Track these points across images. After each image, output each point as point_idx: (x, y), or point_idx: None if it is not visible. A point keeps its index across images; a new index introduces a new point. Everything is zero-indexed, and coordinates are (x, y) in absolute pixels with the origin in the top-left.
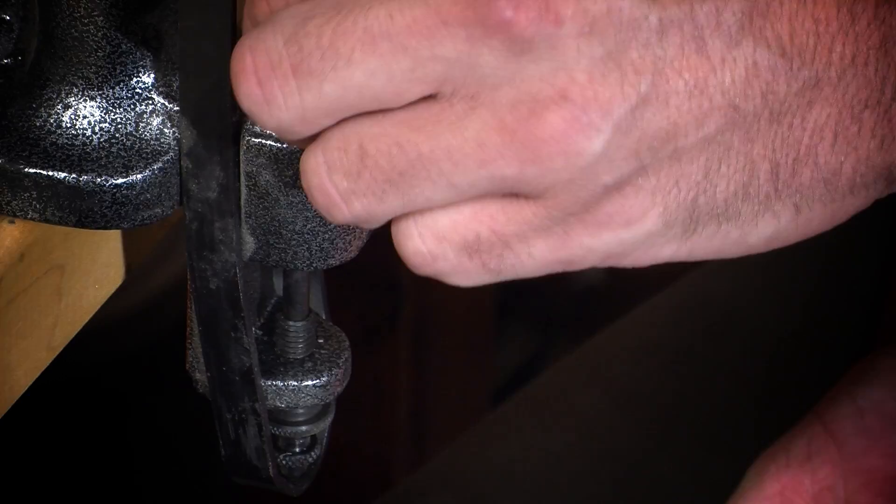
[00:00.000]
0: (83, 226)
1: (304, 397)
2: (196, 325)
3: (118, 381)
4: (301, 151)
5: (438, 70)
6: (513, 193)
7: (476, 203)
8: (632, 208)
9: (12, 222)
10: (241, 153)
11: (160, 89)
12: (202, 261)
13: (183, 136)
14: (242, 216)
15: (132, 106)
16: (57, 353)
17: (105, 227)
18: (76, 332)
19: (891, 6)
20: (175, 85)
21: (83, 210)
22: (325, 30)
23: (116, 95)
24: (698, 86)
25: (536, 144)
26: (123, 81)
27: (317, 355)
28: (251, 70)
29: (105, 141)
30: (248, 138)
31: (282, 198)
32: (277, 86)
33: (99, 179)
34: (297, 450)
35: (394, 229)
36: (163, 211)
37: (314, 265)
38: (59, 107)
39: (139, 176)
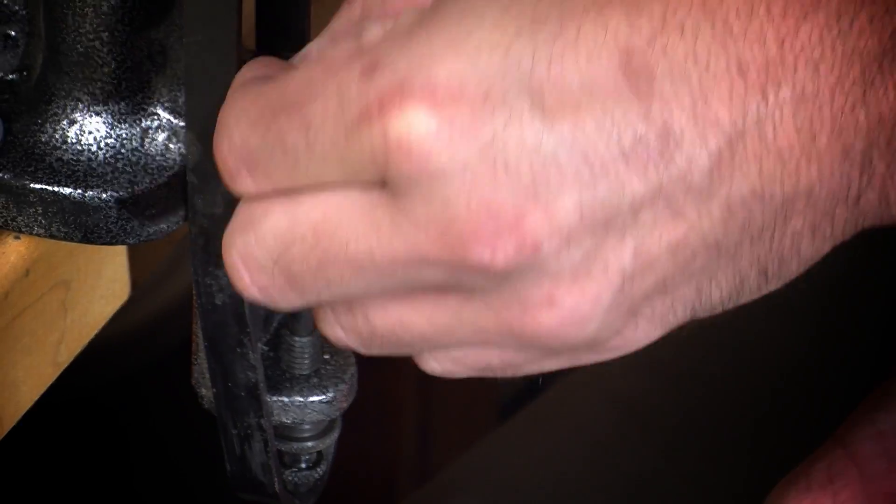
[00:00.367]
0: (89, 241)
1: (309, 413)
2: (202, 340)
3: (123, 396)
4: None
5: (428, 281)
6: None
7: (479, 346)
8: (634, 338)
9: (18, 238)
10: None
11: (166, 105)
12: (208, 276)
13: (188, 151)
14: None
15: (138, 121)
16: (62, 368)
17: (110, 243)
18: (82, 347)
19: (848, 115)
20: (181, 100)
21: (89, 225)
22: (311, 257)
23: (122, 111)
24: (679, 243)
25: (532, 337)
26: (129, 97)
27: (322, 371)
28: (248, 282)
29: (110, 156)
30: None
31: None
32: (278, 292)
33: (104, 195)
34: (303, 465)
35: (416, 358)
36: (168, 226)
37: None
38: (64, 122)
39: (145, 191)
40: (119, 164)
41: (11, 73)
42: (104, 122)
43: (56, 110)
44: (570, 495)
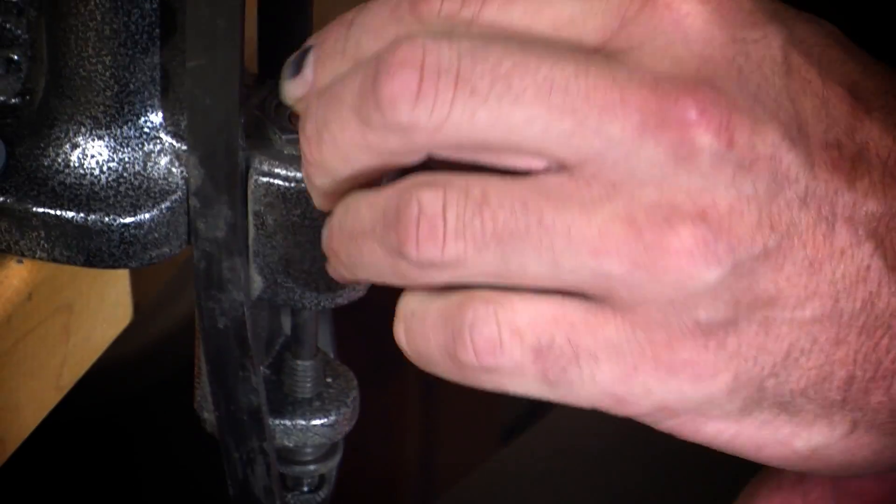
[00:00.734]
0: (91, 265)
1: (312, 436)
2: (204, 364)
3: (126, 420)
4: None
5: (595, 146)
6: (604, 300)
7: (561, 306)
8: (707, 363)
9: (20, 262)
10: (249, 192)
11: (168, 128)
12: (210, 300)
13: (191, 175)
14: (250, 255)
15: (140, 145)
16: (65, 392)
17: (113, 267)
18: (84, 371)
19: None
20: (183, 124)
21: (91, 249)
22: (506, 61)
23: (124, 135)
24: (813, 265)
25: (658, 252)
26: (131, 121)
27: (325, 394)
28: (417, 63)
29: (113, 180)
30: (255, 177)
31: (290, 237)
32: (435, 88)
33: (107, 219)
34: (306, 489)
35: (468, 314)
36: (171, 250)
37: (322, 304)
38: (67, 146)
39: (147, 215)
40: (122, 188)
41: (14, 97)
42: (107, 146)
43: (58, 134)
44: None
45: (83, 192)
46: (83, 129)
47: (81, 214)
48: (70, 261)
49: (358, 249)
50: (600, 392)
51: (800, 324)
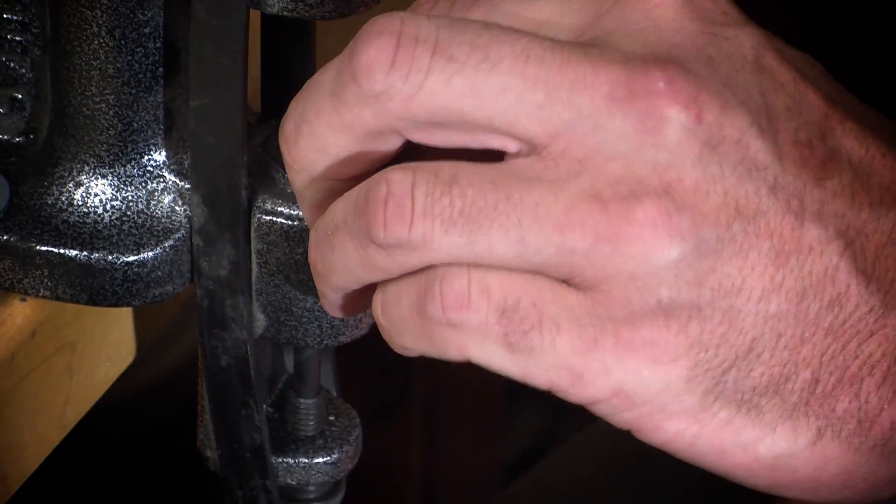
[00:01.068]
0: (94, 303)
1: (314, 474)
2: (207, 402)
3: (129, 458)
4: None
5: (564, 117)
6: (567, 279)
7: (530, 276)
8: (667, 345)
9: (24, 300)
10: (252, 231)
11: (171, 167)
12: (213, 338)
13: (194, 213)
14: (253, 294)
15: (143, 184)
16: (68, 430)
17: (116, 305)
18: (87, 409)
19: None
20: (186, 163)
21: (94, 288)
22: (485, 32)
23: (128, 173)
24: (780, 258)
25: (621, 223)
26: (135, 159)
27: (327, 432)
28: (395, 31)
29: (116, 219)
30: (259, 216)
31: (293, 275)
32: (412, 54)
33: (110, 257)
34: None
35: (440, 269)
36: (174, 288)
37: (325, 343)
38: (70, 185)
39: (150, 253)
40: (125, 227)
41: (18, 136)
42: (110, 185)
43: (62, 173)
44: None
45: (87, 230)
46: (87, 168)
47: (85, 253)
48: (73, 299)
49: (331, 248)
50: (558, 363)
51: (764, 317)
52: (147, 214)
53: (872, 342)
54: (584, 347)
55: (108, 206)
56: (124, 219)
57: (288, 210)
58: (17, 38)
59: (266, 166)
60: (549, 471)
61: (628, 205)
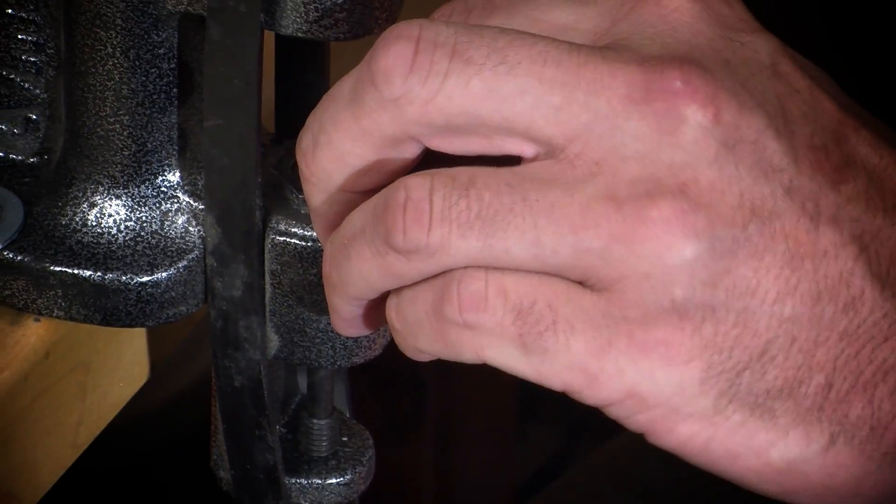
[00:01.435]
0: (108, 324)
1: (327, 495)
2: (220, 422)
3: (142, 478)
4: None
5: (581, 119)
6: (582, 281)
7: (546, 277)
8: (681, 346)
9: (38, 320)
10: (266, 252)
11: (185, 188)
12: (227, 359)
13: (208, 234)
14: (267, 314)
15: (157, 204)
16: (81, 450)
17: (130, 325)
18: (101, 429)
19: None
20: (200, 183)
21: (108, 308)
22: (502, 35)
23: (142, 194)
24: (795, 260)
25: (636, 222)
26: (149, 180)
27: (340, 453)
28: (414, 36)
29: (130, 239)
30: (272, 237)
31: (306, 296)
32: (430, 59)
33: (124, 277)
34: None
35: (458, 272)
36: (187, 309)
37: (338, 363)
38: (84, 205)
39: (164, 274)
40: (139, 247)
41: (32, 157)
42: (124, 205)
43: (76, 193)
44: None
45: (100, 250)
46: (101, 189)
47: (99, 273)
48: (87, 319)
49: (347, 257)
50: (573, 364)
51: (779, 320)
52: (161, 235)
53: (886, 347)
54: (598, 348)
55: (122, 227)
56: (138, 239)
57: (302, 231)
58: (32, 59)
59: (280, 187)
60: (562, 491)
61: (643, 204)
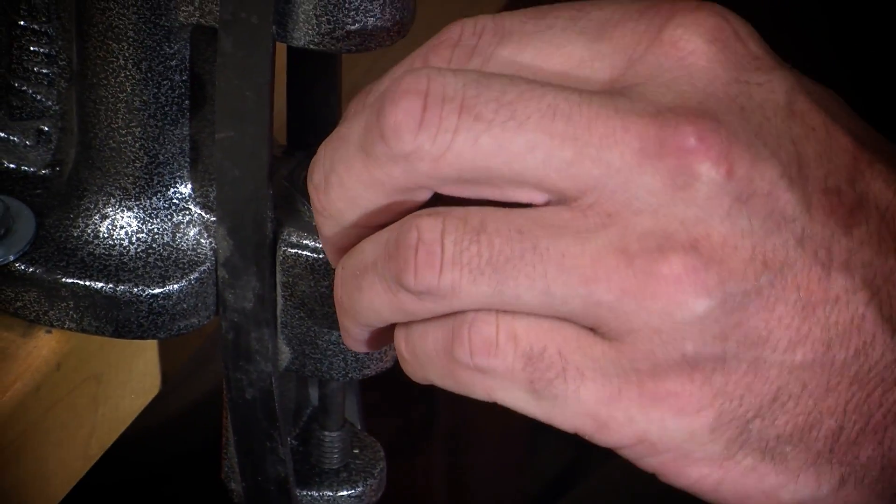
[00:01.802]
0: (120, 336)
1: None
2: (232, 434)
3: (154, 490)
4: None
5: (594, 173)
6: (593, 328)
7: (556, 323)
8: (691, 396)
9: (49, 332)
10: (278, 264)
11: (197, 200)
12: (238, 371)
13: (219, 246)
14: (278, 326)
15: (169, 216)
16: (93, 462)
17: (141, 337)
18: (112, 441)
19: None
20: (212, 195)
21: (120, 320)
22: (511, 89)
23: (153, 206)
24: (806, 309)
25: (647, 278)
26: (161, 192)
27: (352, 465)
28: (422, 91)
29: (142, 251)
30: (284, 249)
31: (318, 308)
32: (439, 115)
33: (136, 289)
34: None
35: (470, 314)
36: (199, 321)
37: (350, 376)
38: (96, 217)
39: (176, 286)
40: (150, 259)
41: (44, 168)
42: (136, 217)
43: (88, 205)
44: None
45: (112, 262)
46: (113, 200)
47: (110, 285)
48: (99, 331)
49: (358, 287)
50: (583, 411)
51: (790, 367)
52: (172, 247)
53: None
54: (608, 397)
55: (133, 239)
56: (150, 251)
57: (313, 243)
58: (44, 71)
59: (291, 199)
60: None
61: (654, 260)
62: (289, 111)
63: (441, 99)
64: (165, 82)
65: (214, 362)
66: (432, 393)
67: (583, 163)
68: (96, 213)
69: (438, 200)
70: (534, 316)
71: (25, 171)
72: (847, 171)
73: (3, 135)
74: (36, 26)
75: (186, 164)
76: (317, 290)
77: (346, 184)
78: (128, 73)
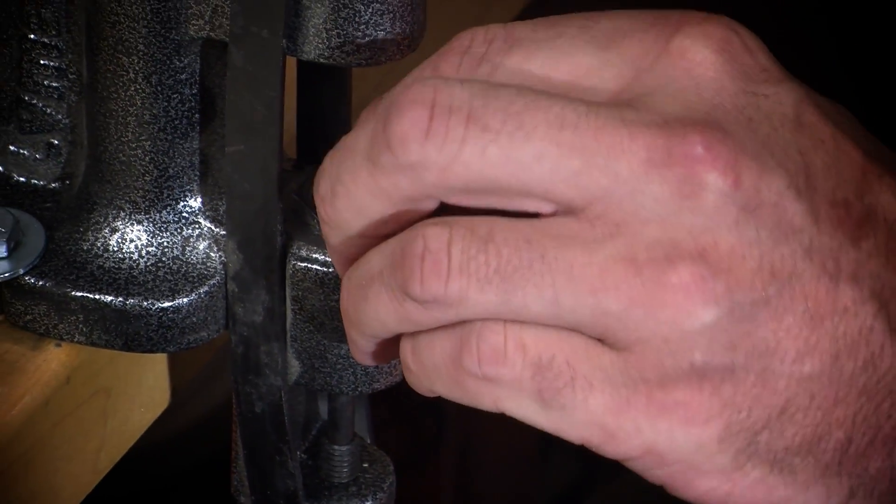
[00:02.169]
0: (129, 349)
1: None
2: (241, 448)
3: None
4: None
5: (601, 183)
6: (601, 338)
7: (564, 333)
8: (700, 406)
9: (59, 345)
10: (287, 277)
11: (207, 213)
12: (247, 384)
13: (229, 259)
14: (288, 340)
15: (179, 230)
16: (102, 476)
17: (151, 351)
18: (122, 455)
19: None
20: (222, 209)
21: (129, 333)
22: (518, 99)
23: (163, 219)
24: (815, 320)
25: (655, 288)
26: (170, 205)
27: (361, 479)
28: (429, 101)
29: (152, 265)
30: (293, 262)
31: (327, 322)
32: (446, 125)
33: (145, 303)
34: None
35: (478, 323)
36: (208, 334)
37: (359, 389)
38: (106, 230)
39: (185, 299)
40: (160, 273)
41: (54, 182)
42: (145, 231)
43: (98, 218)
44: None
45: (122, 276)
46: (122, 214)
47: (120, 299)
48: (108, 345)
49: (364, 297)
50: (591, 421)
51: (798, 379)
52: (182, 260)
53: None
54: (616, 407)
55: (143, 252)
56: (160, 265)
57: (323, 257)
58: (54, 84)
59: (301, 213)
60: None
61: (662, 269)
62: (299, 125)
63: (448, 109)
64: (175, 96)
65: (224, 376)
66: (441, 407)
67: (590, 173)
68: (106, 226)
69: (445, 210)
70: (541, 325)
71: (35, 184)
72: (855, 184)
73: (13, 148)
74: (46, 40)
75: (196, 178)
76: (326, 304)
77: (352, 194)
78: (138, 86)
